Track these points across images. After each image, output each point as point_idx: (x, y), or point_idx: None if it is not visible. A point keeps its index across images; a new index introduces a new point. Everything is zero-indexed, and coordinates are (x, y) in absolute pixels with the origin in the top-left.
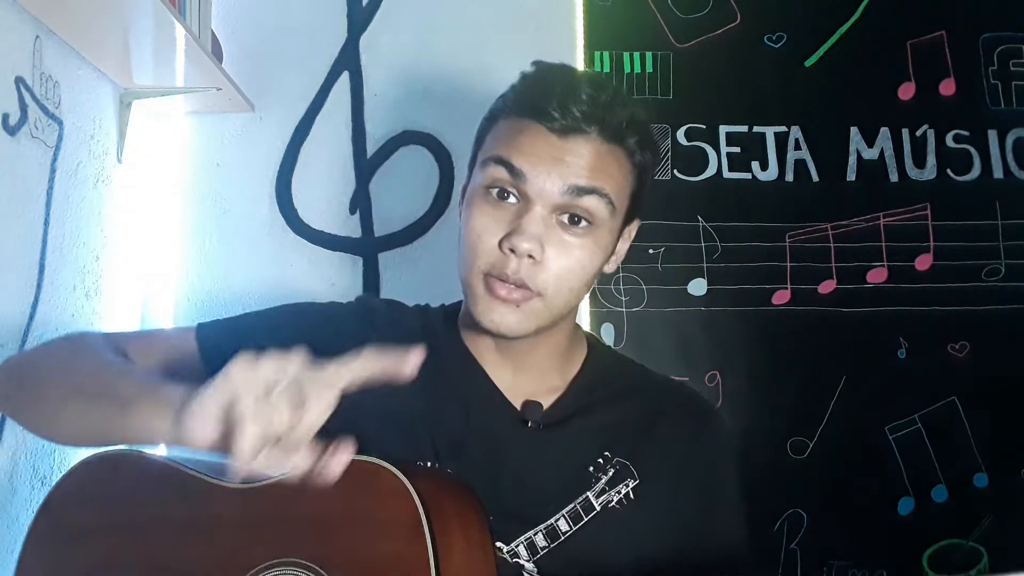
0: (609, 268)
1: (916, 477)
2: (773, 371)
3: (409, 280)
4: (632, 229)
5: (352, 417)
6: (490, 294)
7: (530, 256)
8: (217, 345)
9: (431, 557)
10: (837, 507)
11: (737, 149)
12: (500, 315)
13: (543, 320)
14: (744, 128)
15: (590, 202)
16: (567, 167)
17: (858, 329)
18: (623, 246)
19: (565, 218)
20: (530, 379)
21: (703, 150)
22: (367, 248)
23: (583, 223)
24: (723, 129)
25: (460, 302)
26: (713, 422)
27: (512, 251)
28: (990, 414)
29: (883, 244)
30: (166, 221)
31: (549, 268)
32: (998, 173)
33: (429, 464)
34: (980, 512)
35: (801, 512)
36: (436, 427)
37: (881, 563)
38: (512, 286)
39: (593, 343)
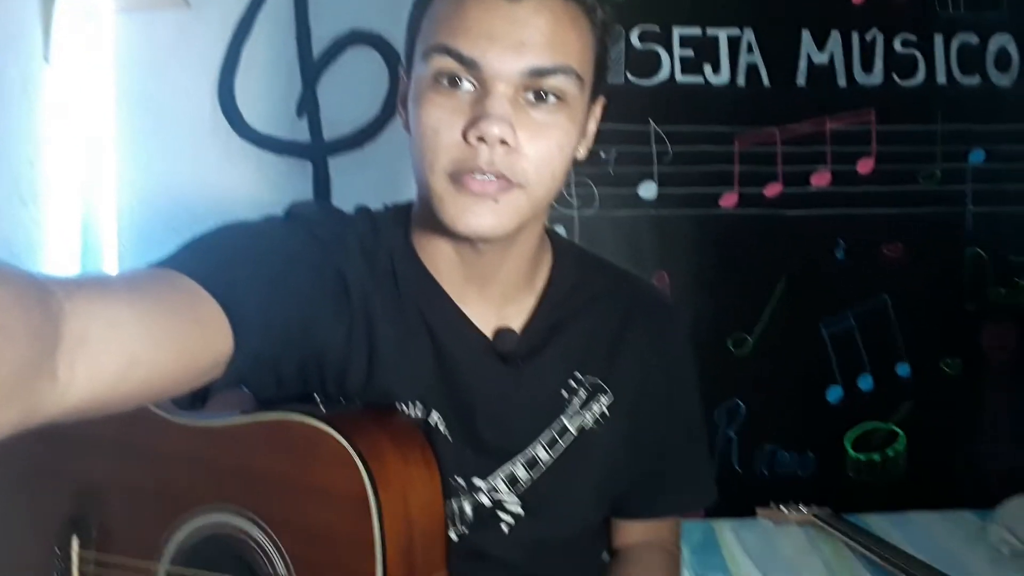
0: (581, 153)
1: (845, 368)
2: (718, 271)
3: (361, 185)
4: (597, 108)
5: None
6: (462, 192)
7: (503, 142)
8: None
9: (377, 535)
10: (772, 396)
11: (690, 52)
12: (476, 215)
13: (524, 216)
14: (697, 30)
15: (556, 81)
16: (523, 47)
17: (800, 231)
18: (592, 127)
19: (531, 96)
20: (498, 296)
21: (656, 53)
22: (316, 152)
23: (552, 99)
24: (677, 31)
25: (408, 204)
26: (678, 321)
27: (481, 139)
28: (916, 310)
29: (828, 148)
30: (102, 126)
31: (526, 154)
32: (941, 79)
33: (404, 407)
34: (901, 399)
35: (739, 401)
36: (403, 365)
37: (809, 446)
38: (488, 177)
39: (558, 243)
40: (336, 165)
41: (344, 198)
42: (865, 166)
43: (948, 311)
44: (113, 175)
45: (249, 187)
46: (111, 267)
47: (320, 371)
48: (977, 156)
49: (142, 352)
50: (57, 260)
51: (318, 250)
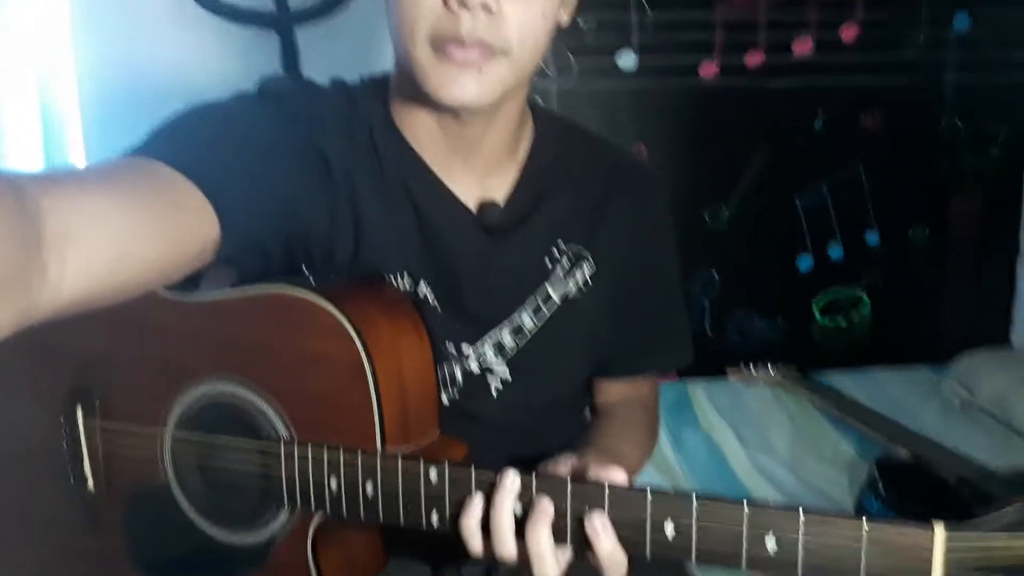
0: (564, 19)
1: (816, 237)
2: (696, 143)
3: (332, 57)
4: None
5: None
6: (444, 61)
7: (485, 8)
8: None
9: (374, 399)
10: (745, 266)
11: None
12: (460, 86)
13: (508, 84)
14: None
15: None
16: None
17: (780, 101)
18: None
19: None
20: (481, 167)
21: None
22: (282, 22)
23: None
24: None
25: (385, 76)
26: (657, 189)
27: (463, 5)
28: (889, 180)
29: (812, 14)
30: (55, 4)
31: (509, 20)
32: None
33: (393, 279)
34: (868, 266)
35: (713, 271)
36: (389, 238)
37: (779, 311)
38: (471, 47)
39: (539, 113)
40: (304, 36)
41: (315, 70)
42: (848, 33)
43: (920, 181)
44: (70, 56)
45: (214, 61)
46: (77, 156)
47: (307, 249)
48: (961, 21)
49: (130, 244)
50: (18, 153)
51: (294, 128)
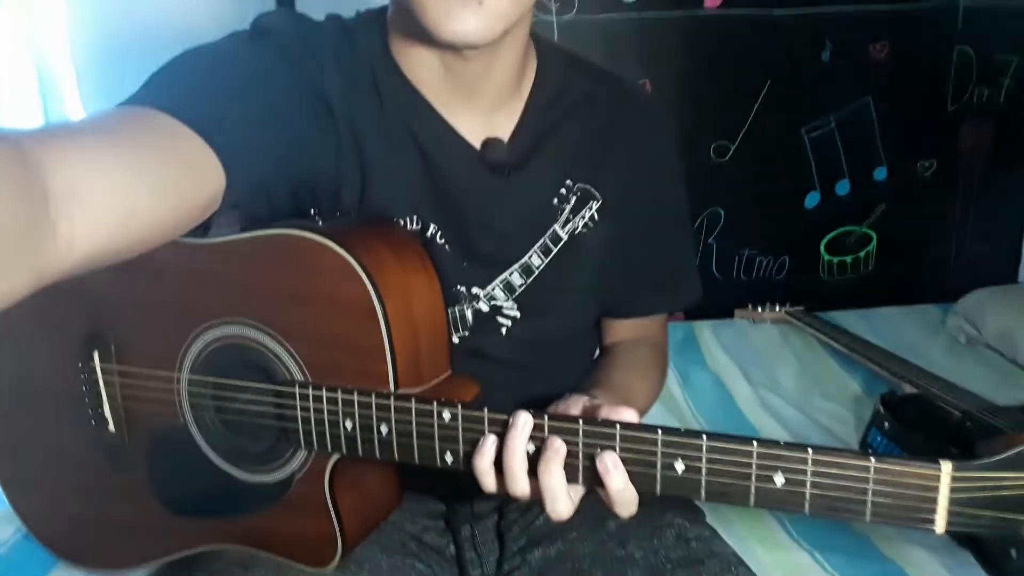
0: None
1: (824, 173)
2: (701, 77)
3: None
4: None
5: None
6: None
7: None
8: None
9: (386, 340)
10: (751, 204)
11: None
12: (461, 21)
13: (510, 18)
14: None
15: None
16: None
17: (786, 31)
18: None
19: None
20: (485, 105)
21: None
22: None
23: None
24: None
25: (382, 10)
26: (663, 121)
27: None
28: (898, 112)
29: None
30: None
31: None
32: None
33: (401, 222)
34: (876, 202)
35: (719, 210)
36: (395, 180)
37: (785, 251)
38: None
39: (542, 47)
40: None
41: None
42: None
43: (929, 113)
44: (62, 5)
45: (208, 3)
46: (75, 109)
47: (313, 193)
48: None
49: (138, 199)
50: (16, 111)
51: (293, 70)
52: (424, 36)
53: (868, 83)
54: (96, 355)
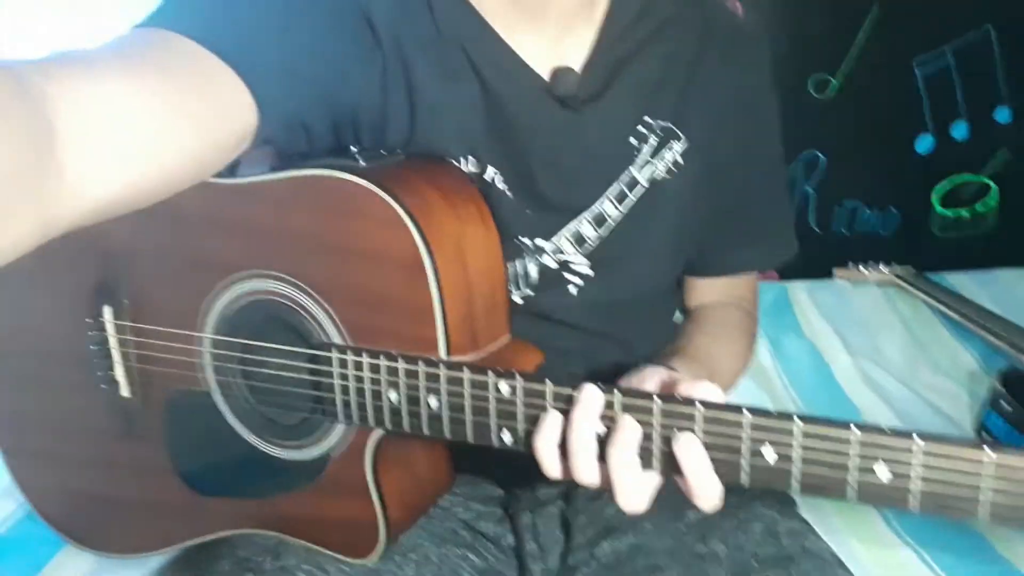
0: None
1: (938, 113)
2: None
3: None
4: None
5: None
6: None
7: None
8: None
9: (436, 300)
10: (855, 147)
11: None
12: None
13: None
14: None
15: None
16: None
17: None
18: None
19: None
20: (553, 29)
21: None
22: None
23: None
24: None
25: None
26: (758, 51)
27: None
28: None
29: None
30: None
31: None
32: None
33: (456, 163)
34: (997, 148)
35: (818, 153)
36: (449, 115)
37: (893, 201)
38: None
39: None
40: None
41: None
42: None
43: None
44: None
45: None
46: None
47: (355, 128)
48: None
49: (159, 137)
50: None
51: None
52: None
53: (989, 8)
54: (107, 310)
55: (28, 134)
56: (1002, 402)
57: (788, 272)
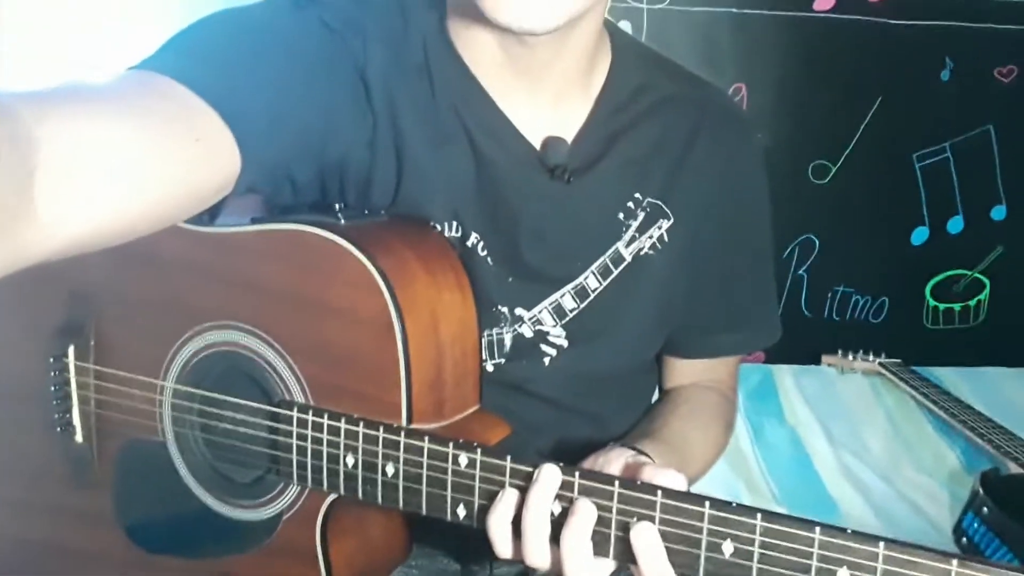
0: None
1: (935, 207)
2: (804, 87)
3: None
4: None
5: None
6: None
7: None
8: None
9: (402, 364)
10: (851, 235)
11: None
12: (523, 4)
13: (581, 3)
14: None
15: None
16: None
17: (903, 44)
18: None
19: None
20: (548, 99)
21: None
22: None
23: None
24: None
25: None
26: (751, 137)
27: None
28: (1022, 145)
29: None
30: None
31: None
32: None
33: (439, 227)
34: (992, 245)
35: (813, 238)
36: (437, 176)
37: (885, 291)
38: None
39: (617, 40)
40: None
41: None
42: None
43: None
44: None
45: None
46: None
47: (341, 184)
48: None
49: (141, 179)
50: None
51: (331, 43)
52: (481, 16)
53: (991, 110)
54: (71, 350)
55: (9, 179)
56: (983, 506)
57: (775, 355)
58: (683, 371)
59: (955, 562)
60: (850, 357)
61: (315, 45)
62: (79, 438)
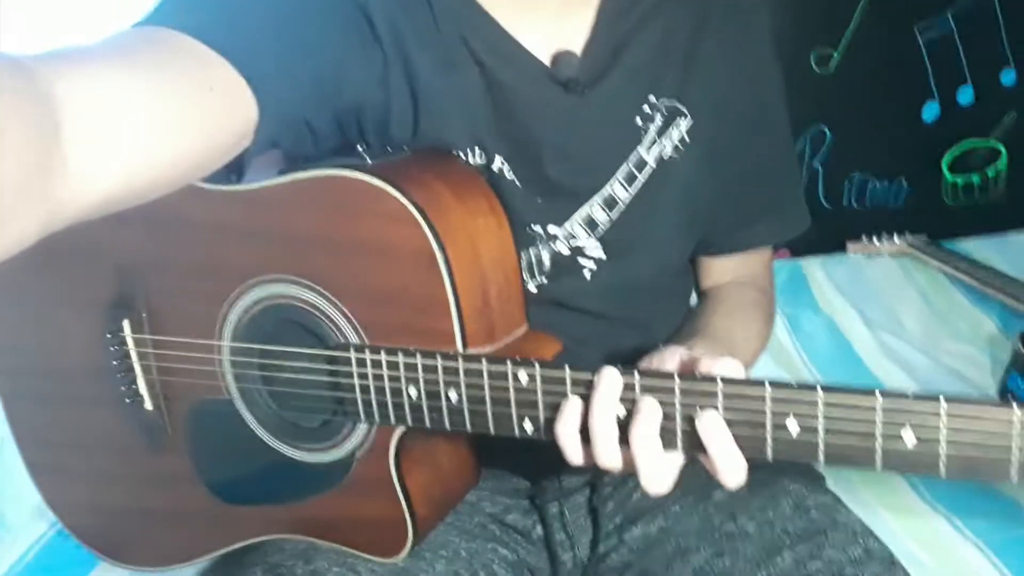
0: None
1: (943, 79)
2: None
3: None
4: None
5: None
6: None
7: None
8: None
9: (450, 293)
10: (861, 120)
11: None
12: None
13: None
14: None
15: None
16: None
17: None
18: None
19: None
20: (551, 13)
21: None
22: None
23: None
24: None
25: None
26: (759, 23)
27: None
28: None
29: None
30: None
31: None
32: None
33: (462, 155)
34: (1004, 110)
35: (824, 128)
36: (453, 106)
37: (902, 172)
38: None
39: None
40: None
41: None
42: None
43: None
44: None
45: None
46: None
47: (359, 124)
48: None
49: (162, 132)
50: None
51: None
52: None
53: None
54: (126, 324)
55: (36, 129)
56: None
57: (801, 249)
58: (719, 269)
59: (1017, 409)
60: (875, 241)
61: None
62: (149, 406)
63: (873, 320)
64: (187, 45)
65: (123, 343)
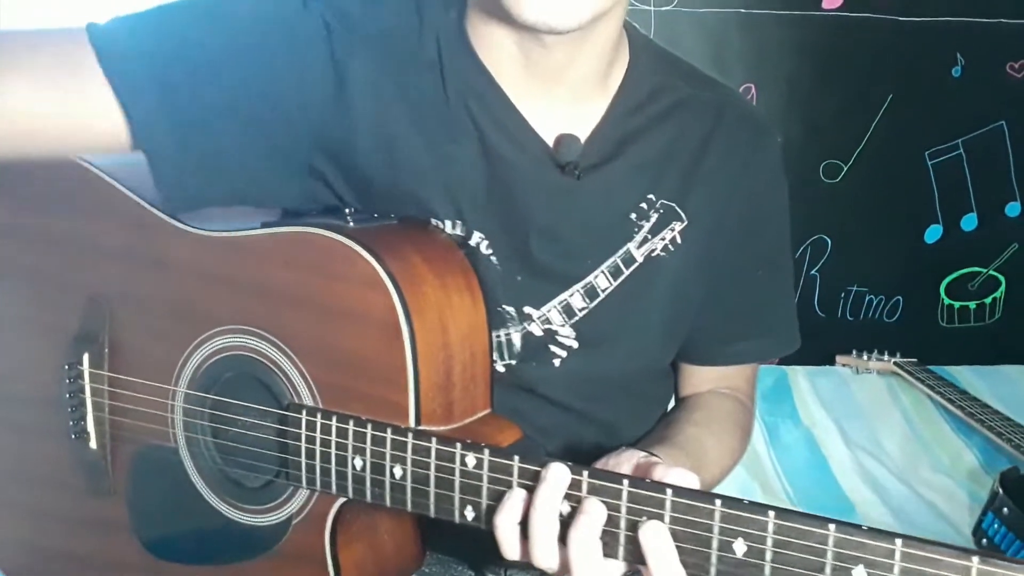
0: None
1: (948, 205)
2: (814, 86)
3: None
4: None
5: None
6: None
7: None
8: (127, 70)
9: (410, 366)
10: (863, 234)
11: None
12: (545, 1)
13: (603, 2)
14: None
15: None
16: None
17: (913, 41)
18: None
19: None
20: (565, 98)
21: None
22: None
23: None
24: None
25: None
26: (770, 140)
27: None
28: None
29: None
30: None
31: None
32: None
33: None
34: (1007, 242)
35: (826, 238)
36: (440, 173)
37: (899, 290)
38: None
39: (635, 41)
40: None
41: None
42: None
43: None
44: None
45: None
46: None
47: (329, 181)
48: None
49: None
50: None
51: (339, 31)
52: (502, 14)
53: (1003, 105)
54: (86, 357)
55: None
56: (1003, 507)
57: (789, 356)
58: (700, 378)
59: (975, 559)
60: (865, 357)
61: (324, 43)
62: (93, 445)
63: (853, 439)
64: (94, 76)
65: (80, 376)
